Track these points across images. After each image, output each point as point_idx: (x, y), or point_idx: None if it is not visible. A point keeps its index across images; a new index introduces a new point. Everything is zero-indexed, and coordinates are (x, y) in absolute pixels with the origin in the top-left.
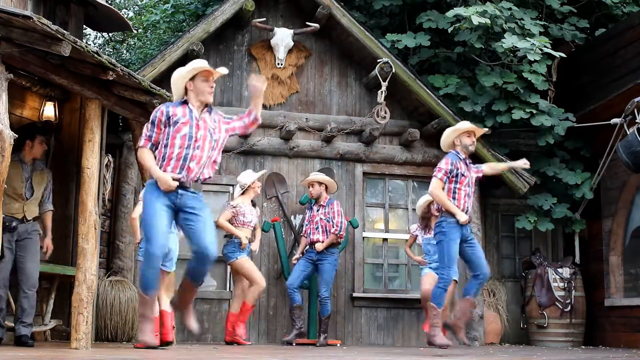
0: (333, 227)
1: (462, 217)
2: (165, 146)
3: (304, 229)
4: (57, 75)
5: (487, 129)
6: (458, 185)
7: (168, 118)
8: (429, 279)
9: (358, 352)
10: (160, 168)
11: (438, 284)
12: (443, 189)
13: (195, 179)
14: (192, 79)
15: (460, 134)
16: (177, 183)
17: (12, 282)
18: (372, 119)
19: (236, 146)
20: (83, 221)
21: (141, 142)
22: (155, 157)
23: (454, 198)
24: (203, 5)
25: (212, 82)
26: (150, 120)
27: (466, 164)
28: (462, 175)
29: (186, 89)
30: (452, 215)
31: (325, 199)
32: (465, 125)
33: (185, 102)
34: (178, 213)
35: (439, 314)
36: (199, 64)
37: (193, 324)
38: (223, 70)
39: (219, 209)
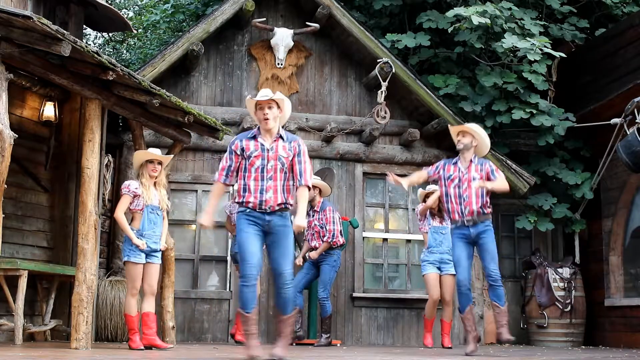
0: (326, 234)
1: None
2: (243, 178)
3: (305, 232)
4: (57, 75)
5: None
6: (446, 189)
7: (242, 150)
8: (435, 281)
9: (358, 352)
10: (242, 199)
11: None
12: (429, 181)
13: (276, 207)
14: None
15: (454, 135)
16: (208, 224)
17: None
18: (372, 119)
19: None
20: (83, 221)
21: (216, 176)
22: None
23: (446, 201)
24: (203, 5)
25: (266, 110)
26: (228, 151)
27: (458, 166)
28: (449, 178)
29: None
30: (450, 220)
31: (319, 203)
32: (457, 127)
33: (254, 137)
34: (267, 236)
35: (502, 311)
36: (257, 97)
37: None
38: (280, 96)
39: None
